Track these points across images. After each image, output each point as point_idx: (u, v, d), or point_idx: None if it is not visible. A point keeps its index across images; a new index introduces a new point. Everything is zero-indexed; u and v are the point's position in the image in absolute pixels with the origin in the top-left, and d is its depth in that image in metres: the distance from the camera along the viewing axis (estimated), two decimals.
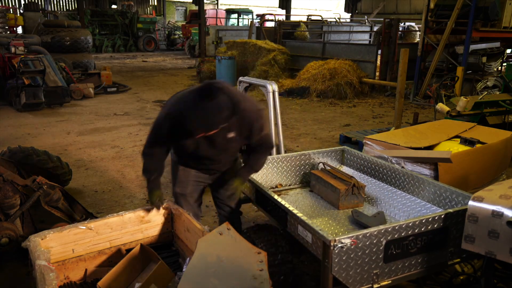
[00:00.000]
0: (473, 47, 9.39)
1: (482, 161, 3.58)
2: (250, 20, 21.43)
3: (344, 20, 23.99)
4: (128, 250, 2.72)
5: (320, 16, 21.17)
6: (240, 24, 23.06)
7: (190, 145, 2.60)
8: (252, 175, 3.23)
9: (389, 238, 2.26)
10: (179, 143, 2.63)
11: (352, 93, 10.46)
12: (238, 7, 28.34)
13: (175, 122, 2.47)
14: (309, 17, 21.28)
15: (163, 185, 4.81)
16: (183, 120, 2.33)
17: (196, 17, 19.76)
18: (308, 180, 3.72)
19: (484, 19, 9.20)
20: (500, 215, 2.06)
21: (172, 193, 2.97)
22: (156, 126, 2.58)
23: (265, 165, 3.58)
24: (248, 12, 23.86)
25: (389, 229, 2.25)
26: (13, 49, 9.27)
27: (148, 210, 2.78)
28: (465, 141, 3.67)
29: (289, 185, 3.74)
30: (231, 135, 2.56)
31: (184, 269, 2.24)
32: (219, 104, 2.23)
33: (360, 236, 2.18)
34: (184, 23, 26.02)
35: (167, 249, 2.83)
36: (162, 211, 2.85)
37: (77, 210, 3.57)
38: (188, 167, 2.84)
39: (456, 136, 3.83)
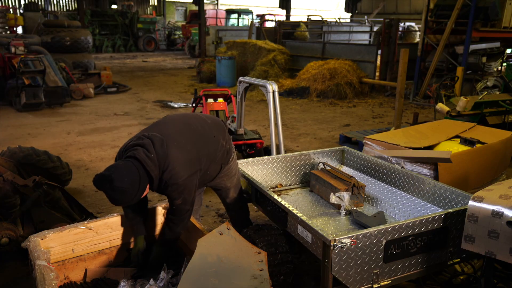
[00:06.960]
0: (473, 47, 9.39)
1: (482, 161, 3.58)
2: (250, 20, 21.42)
3: (344, 20, 23.99)
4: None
5: (320, 16, 21.18)
6: (240, 24, 23.04)
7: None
8: (251, 175, 3.23)
9: (389, 238, 2.26)
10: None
11: (352, 93, 10.45)
12: (238, 7, 28.32)
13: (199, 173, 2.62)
14: (309, 17, 21.29)
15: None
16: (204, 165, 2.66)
17: (196, 17, 19.77)
18: (308, 180, 3.72)
19: (484, 19, 9.19)
20: (500, 215, 2.06)
21: None
22: (192, 189, 2.55)
23: (265, 165, 3.59)
24: (248, 12, 23.84)
25: (389, 229, 2.25)
26: (13, 49, 9.26)
27: None
28: (465, 141, 3.67)
29: (289, 185, 3.74)
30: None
31: (184, 269, 2.23)
32: None
33: (360, 236, 2.18)
34: (184, 23, 26.01)
35: None
36: (162, 211, 2.84)
37: (77, 210, 3.57)
38: None
39: (456, 136, 3.83)
